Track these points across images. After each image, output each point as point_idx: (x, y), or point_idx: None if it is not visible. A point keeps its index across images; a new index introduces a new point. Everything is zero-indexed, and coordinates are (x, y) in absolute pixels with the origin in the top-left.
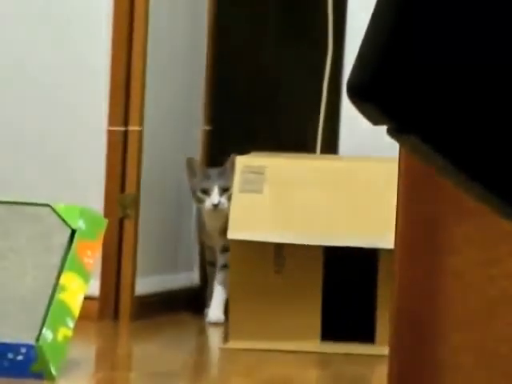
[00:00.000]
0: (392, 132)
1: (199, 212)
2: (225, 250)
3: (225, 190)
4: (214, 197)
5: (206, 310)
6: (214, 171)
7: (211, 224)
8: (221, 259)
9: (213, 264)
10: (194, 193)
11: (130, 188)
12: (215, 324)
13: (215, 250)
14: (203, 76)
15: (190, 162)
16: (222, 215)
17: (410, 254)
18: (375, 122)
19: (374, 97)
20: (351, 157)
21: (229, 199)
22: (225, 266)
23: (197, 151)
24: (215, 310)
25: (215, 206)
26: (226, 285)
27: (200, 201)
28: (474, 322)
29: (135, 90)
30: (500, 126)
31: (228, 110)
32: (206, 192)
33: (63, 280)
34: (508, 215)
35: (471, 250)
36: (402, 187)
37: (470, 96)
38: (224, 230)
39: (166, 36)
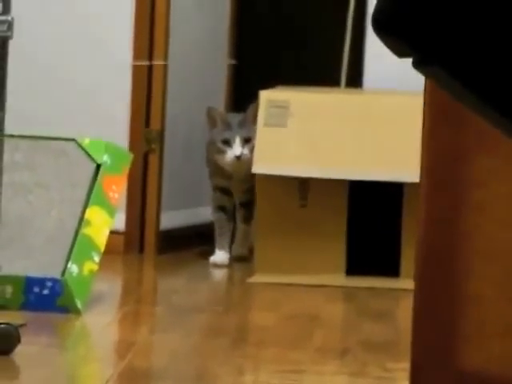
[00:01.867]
0: (417, 64)
1: (210, 155)
2: (245, 191)
3: (247, 141)
4: (237, 148)
5: (214, 252)
6: (235, 120)
7: (232, 174)
8: (240, 197)
9: (222, 209)
10: (213, 144)
11: (154, 123)
12: (240, 258)
13: (232, 192)
14: (228, 10)
15: (210, 111)
16: (244, 165)
17: (435, 187)
18: (400, 54)
19: (398, 29)
20: (376, 90)
21: (251, 151)
22: (245, 204)
23: (222, 85)
24: (239, 247)
25: (238, 158)
26: (248, 221)
27: (221, 152)
28: (499, 254)
29: (160, 24)
30: None
31: (253, 44)
32: (228, 143)
33: (88, 214)
34: None
35: (496, 183)
36: (427, 121)
37: (490, 26)
38: (246, 177)
39: None
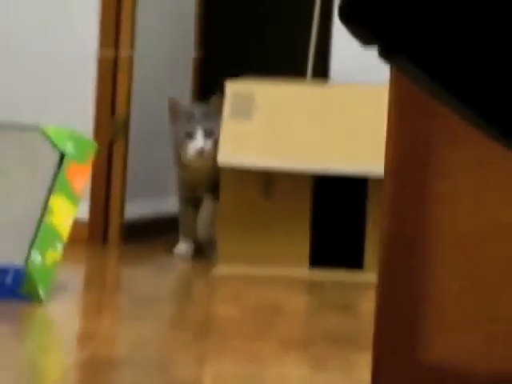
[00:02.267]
0: (382, 53)
1: (177, 151)
2: (209, 187)
3: (210, 134)
4: (199, 140)
5: (179, 243)
6: (198, 111)
7: (195, 169)
8: (205, 189)
9: (189, 200)
10: (176, 137)
11: (120, 112)
12: (203, 240)
13: (192, 187)
14: (193, 2)
15: (172, 103)
16: (206, 161)
17: (400, 180)
18: (365, 43)
19: (363, 17)
20: (342, 83)
21: (215, 144)
22: (210, 191)
23: (188, 77)
24: (202, 227)
25: (200, 151)
26: (213, 196)
27: (183, 144)
28: (463, 247)
29: (126, 15)
30: (484, 47)
31: (219, 36)
32: (190, 135)
33: (52, 203)
34: (493, 136)
35: (461, 175)
36: (392, 113)
37: (455, 15)
38: (210, 171)
39: None
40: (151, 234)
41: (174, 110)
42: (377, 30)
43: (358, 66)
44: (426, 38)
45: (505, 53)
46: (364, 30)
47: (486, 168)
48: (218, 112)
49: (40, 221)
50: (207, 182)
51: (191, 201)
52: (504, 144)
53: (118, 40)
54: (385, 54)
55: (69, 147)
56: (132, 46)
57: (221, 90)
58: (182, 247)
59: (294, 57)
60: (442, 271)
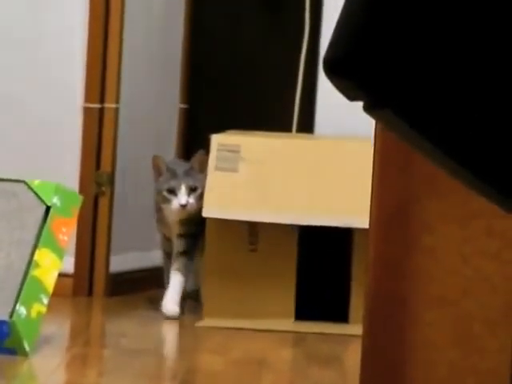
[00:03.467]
0: (368, 107)
1: (158, 205)
2: (181, 236)
3: (192, 190)
4: (182, 197)
5: (163, 302)
6: (180, 169)
7: (174, 219)
8: (177, 245)
9: (170, 255)
10: (159, 192)
11: (105, 166)
12: (170, 317)
13: (171, 239)
14: (179, 54)
15: (155, 160)
16: (189, 217)
17: (384, 232)
18: (351, 97)
19: (349, 72)
20: (327, 136)
21: (197, 199)
22: (182, 253)
23: (173, 129)
24: (170, 303)
25: (183, 207)
26: (183, 272)
27: (166, 201)
28: (448, 300)
29: (111, 68)
30: (471, 102)
31: (204, 88)
32: (173, 191)
33: (37, 256)
34: (480, 190)
35: (445, 228)
36: (376, 165)
37: (443, 70)
38: (184, 221)
39: (141, 15)
40: (136, 287)
41: (158, 168)
42: (362, 84)
43: (343, 121)
44: (413, 92)
45: (501, 109)
46: (349, 83)
47: (468, 220)
48: (200, 169)
49: (25, 274)
50: (181, 235)
51: (169, 254)
52: (494, 200)
53: (103, 94)
54: (370, 108)
55: (54, 200)
56: (117, 99)
57: (206, 143)
58: (170, 307)
59: (280, 111)
60: (426, 324)
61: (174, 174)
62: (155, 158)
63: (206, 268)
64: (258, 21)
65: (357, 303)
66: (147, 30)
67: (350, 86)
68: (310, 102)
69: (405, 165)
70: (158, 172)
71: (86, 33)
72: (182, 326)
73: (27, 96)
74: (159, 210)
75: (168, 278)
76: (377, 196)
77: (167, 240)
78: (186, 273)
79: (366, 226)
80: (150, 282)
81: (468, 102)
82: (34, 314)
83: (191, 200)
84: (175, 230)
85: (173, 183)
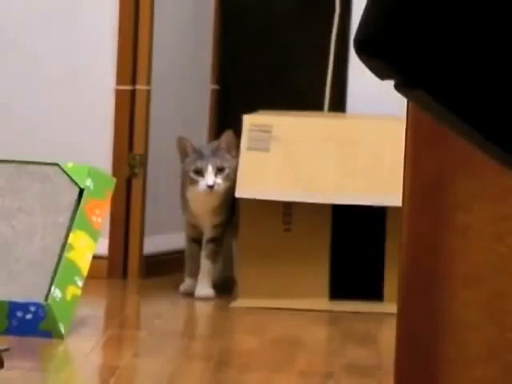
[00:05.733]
0: (400, 87)
1: (184, 192)
2: (211, 224)
3: (220, 170)
4: (209, 177)
5: (184, 281)
6: (207, 149)
7: (203, 206)
8: (207, 232)
9: (195, 240)
10: (185, 174)
11: (137, 148)
12: (203, 298)
13: (201, 227)
14: (211, 35)
15: (180, 142)
16: (215, 197)
17: (417, 211)
18: (382, 76)
19: (380, 51)
20: (358, 115)
21: (224, 179)
22: (212, 240)
23: (205, 110)
24: (203, 287)
25: (210, 188)
26: (213, 259)
27: (193, 182)
28: (482, 278)
29: (142, 50)
30: (498, 80)
31: (236, 69)
32: (200, 172)
33: (72, 239)
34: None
35: (479, 206)
36: (409, 144)
37: (473, 51)
38: (216, 210)
39: None
40: (171, 268)
41: (184, 150)
42: (394, 63)
43: (375, 99)
44: (446, 71)
45: None
46: (381, 63)
47: (503, 198)
48: (228, 149)
49: (60, 257)
50: (212, 225)
51: (197, 241)
52: None
53: (135, 76)
54: (402, 87)
55: (88, 183)
56: (149, 81)
57: (238, 124)
58: (187, 285)
59: (312, 89)
60: (462, 303)
61: (200, 155)
62: (180, 140)
63: (240, 249)
64: (290, 3)
65: (391, 281)
66: (177, 12)
67: (381, 66)
68: (342, 81)
69: (437, 143)
70: (184, 154)
71: (117, 16)
72: (215, 308)
73: (61, 80)
74: (185, 196)
75: (190, 264)
76: (409, 174)
77: (193, 227)
78: (216, 259)
79: (399, 204)
80: (183, 263)
81: (497, 84)
82: (69, 296)
83: (218, 180)
84: (205, 218)
85: (199, 164)
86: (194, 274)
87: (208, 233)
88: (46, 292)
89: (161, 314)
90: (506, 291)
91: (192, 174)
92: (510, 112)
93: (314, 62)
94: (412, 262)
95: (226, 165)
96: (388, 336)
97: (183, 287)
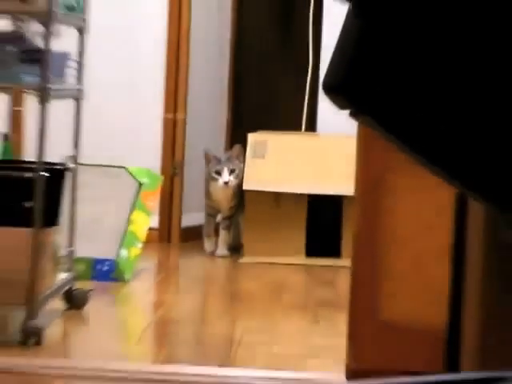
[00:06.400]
0: (353, 114)
1: (207, 186)
2: (228, 207)
3: (232, 171)
4: (225, 176)
5: (204, 240)
6: (223, 157)
7: (222, 197)
8: (226, 213)
9: (212, 215)
10: (209, 174)
11: (178, 155)
12: (221, 256)
13: (218, 208)
14: (226, 84)
15: (206, 153)
16: (230, 191)
17: (364, 197)
18: (342, 107)
19: (341, 92)
20: (325, 134)
21: (235, 178)
22: (227, 218)
23: (222, 131)
24: (222, 249)
25: (226, 183)
26: (228, 230)
27: (214, 180)
28: (407, 241)
29: (182, 87)
30: (424, 116)
31: (243, 105)
32: (219, 173)
33: (133, 217)
34: (435, 172)
35: (404, 193)
36: (359, 153)
37: (403, 92)
38: (230, 198)
39: (203, 45)
40: (198, 236)
41: (208, 158)
42: (350, 100)
43: (338, 123)
44: (384, 106)
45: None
46: (341, 99)
47: (422, 188)
48: (237, 157)
49: (125, 229)
50: (228, 208)
51: (213, 216)
52: (450, 182)
53: (176, 107)
54: (355, 115)
55: (144, 180)
56: (185, 111)
57: (244, 139)
58: (207, 245)
59: (293, 117)
60: (394, 257)
61: (219, 161)
62: (206, 152)
63: (245, 223)
64: (281, 58)
65: (347, 245)
66: (207, 56)
67: (341, 100)
68: (314, 111)
69: (378, 153)
70: (208, 160)
71: (164, 64)
72: (229, 262)
73: (127, 108)
74: (208, 188)
75: (206, 228)
76: (359, 172)
77: (212, 208)
78: (230, 230)
79: (352, 193)
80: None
81: (424, 118)
82: (131, 255)
83: (231, 178)
84: (222, 204)
85: (218, 167)
86: (209, 235)
87: (224, 213)
88: (116, 252)
89: (193, 266)
90: (423, 249)
91: (213, 174)
92: (423, 136)
93: (295, 97)
94: (361, 232)
95: (236, 168)
96: (344, 281)
97: (208, 248)
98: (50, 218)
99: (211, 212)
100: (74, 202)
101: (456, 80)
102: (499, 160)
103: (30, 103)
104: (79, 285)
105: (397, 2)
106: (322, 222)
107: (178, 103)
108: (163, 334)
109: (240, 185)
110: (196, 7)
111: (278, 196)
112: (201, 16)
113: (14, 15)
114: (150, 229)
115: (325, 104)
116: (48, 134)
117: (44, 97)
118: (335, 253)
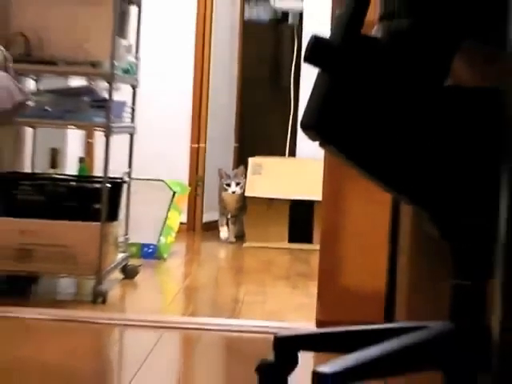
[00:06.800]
0: (321, 144)
1: (220, 194)
2: (234, 209)
3: (238, 184)
4: (233, 188)
5: (219, 229)
6: (231, 174)
7: (230, 202)
8: (233, 213)
9: (223, 214)
10: (221, 186)
11: (200, 172)
12: (230, 242)
13: (228, 209)
14: (234, 122)
15: (219, 171)
16: (236, 197)
17: (328, 202)
18: (313, 139)
19: (313, 128)
20: (302, 158)
21: (240, 188)
22: (235, 216)
23: (231, 155)
24: (231, 237)
25: (233, 193)
26: (234, 224)
27: (225, 190)
28: (356, 230)
29: (203, 127)
30: (368, 148)
31: (245, 136)
32: (229, 185)
33: (169, 214)
34: (384, 188)
35: (353, 200)
36: (325, 171)
37: (355, 132)
38: (236, 202)
39: (222, 82)
40: (215, 228)
41: (221, 174)
42: (319, 134)
43: (311, 150)
44: (343, 141)
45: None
46: (313, 133)
47: (368, 195)
48: (241, 174)
49: (164, 222)
50: (234, 210)
51: (224, 214)
52: (389, 191)
53: (199, 137)
54: (323, 144)
55: (177, 189)
56: (205, 141)
57: (246, 161)
58: (221, 234)
59: (279, 145)
60: (349, 243)
61: (228, 177)
62: (219, 170)
63: (246, 219)
64: (269, 99)
65: (317, 235)
66: (221, 103)
67: (312, 134)
68: (294, 142)
69: (339, 172)
70: (221, 176)
71: (190, 111)
72: (236, 246)
73: (163, 140)
74: (221, 196)
75: (220, 220)
76: (326, 186)
77: (223, 208)
78: (236, 224)
79: (320, 199)
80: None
81: (373, 153)
82: (168, 241)
83: (237, 189)
84: (231, 206)
85: (228, 181)
86: (222, 224)
87: (232, 212)
88: (157, 238)
89: (210, 248)
90: (378, 239)
91: (225, 186)
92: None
93: (281, 130)
94: (326, 224)
95: (240, 181)
96: (314, 260)
97: (222, 236)
98: (112, 215)
99: (223, 211)
100: (128, 204)
101: (384, 128)
102: (417, 179)
103: (99, 136)
104: (131, 262)
105: (351, 73)
106: (299, 218)
107: (200, 137)
108: (189, 295)
109: (243, 193)
110: (214, 67)
111: (269, 201)
112: (218, 72)
113: (88, 76)
114: (181, 223)
115: (302, 136)
116: (110, 158)
117: (108, 132)
118: (308, 240)
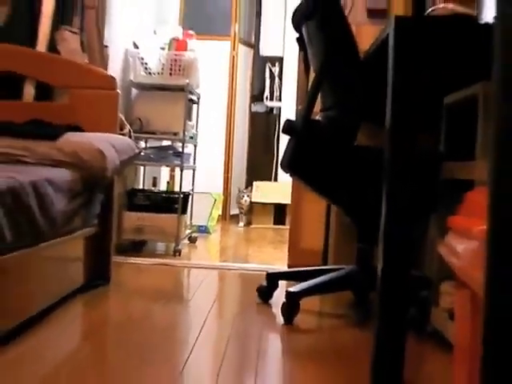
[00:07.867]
0: (291, 175)
1: (239, 200)
2: (246, 209)
3: (247, 195)
4: (245, 198)
5: (239, 221)
6: (241, 189)
7: (244, 205)
8: (245, 211)
9: (240, 211)
10: (239, 195)
11: (228, 188)
12: (243, 226)
13: (242, 209)
14: (246, 161)
15: (238, 188)
16: (247, 202)
17: (294, 204)
18: (286, 172)
19: (287, 167)
20: (282, 182)
21: (248, 197)
22: (245, 213)
23: (244, 179)
24: (244, 222)
25: (245, 201)
26: (246, 216)
27: (241, 198)
28: (311, 217)
29: (230, 164)
30: (320, 182)
31: (251, 168)
32: (243, 196)
33: (212, 211)
34: (324, 198)
35: (310, 203)
36: (293, 188)
37: (310, 171)
38: (247, 206)
39: (239, 144)
40: (237, 218)
41: (239, 190)
42: (291, 172)
43: (287, 176)
44: (305, 173)
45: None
46: (286, 170)
47: (317, 202)
48: (250, 191)
49: (210, 215)
50: (245, 209)
51: (241, 211)
52: (327, 200)
53: (228, 169)
54: (292, 176)
55: (216, 197)
56: (231, 171)
57: (252, 184)
58: (240, 222)
59: (269, 173)
60: (304, 223)
61: (243, 191)
62: (238, 188)
63: (253, 214)
64: (264, 140)
65: (288, 220)
66: (240, 146)
67: (287, 171)
68: (276, 172)
69: (300, 188)
70: (238, 191)
71: (223, 156)
72: (247, 228)
73: (209, 171)
74: (239, 201)
75: (239, 216)
76: (292, 195)
77: (240, 208)
78: (246, 216)
79: (289, 202)
80: (239, 218)
81: (332, 185)
82: (212, 223)
83: (247, 198)
84: (244, 207)
85: (242, 194)
86: (240, 217)
87: (244, 210)
88: (207, 221)
89: (233, 229)
90: (316, 222)
91: (241, 196)
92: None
93: (269, 165)
94: (293, 214)
95: (249, 194)
96: (287, 234)
97: (240, 223)
98: (183, 210)
99: (240, 210)
100: (192, 205)
101: (323, 170)
102: (340, 196)
103: (177, 170)
104: (193, 234)
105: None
106: (279, 212)
107: (229, 170)
108: (223, 251)
109: (250, 200)
110: (237, 136)
111: (264, 204)
112: (239, 141)
113: (171, 140)
114: (218, 215)
115: (280, 170)
116: (183, 181)
117: (181, 168)
118: (284, 223)
